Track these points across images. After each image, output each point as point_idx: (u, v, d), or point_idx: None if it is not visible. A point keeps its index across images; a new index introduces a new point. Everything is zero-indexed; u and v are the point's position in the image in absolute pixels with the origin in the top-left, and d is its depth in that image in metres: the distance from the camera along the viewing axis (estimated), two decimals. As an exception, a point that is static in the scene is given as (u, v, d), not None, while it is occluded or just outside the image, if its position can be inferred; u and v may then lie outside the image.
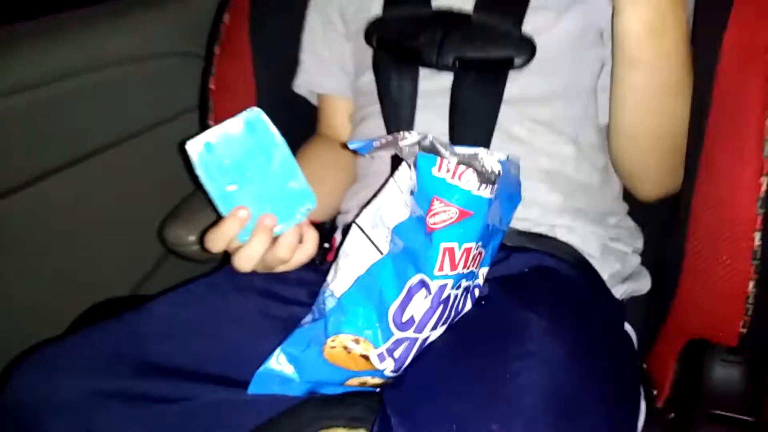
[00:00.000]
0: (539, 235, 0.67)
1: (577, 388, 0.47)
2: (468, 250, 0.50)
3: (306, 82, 0.84)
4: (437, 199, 0.48)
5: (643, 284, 0.71)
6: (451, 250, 0.49)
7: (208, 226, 0.58)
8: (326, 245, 0.67)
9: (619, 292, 0.69)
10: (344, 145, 0.59)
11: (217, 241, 0.56)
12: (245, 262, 0.56)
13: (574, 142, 0.69)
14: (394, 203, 0.54)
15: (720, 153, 0.61)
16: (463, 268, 0.50)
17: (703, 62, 0.62)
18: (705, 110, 0.62)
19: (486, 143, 0.67)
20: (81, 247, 1.04)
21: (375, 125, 0.75)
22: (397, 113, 0.71)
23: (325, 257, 0.68)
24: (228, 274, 0.64)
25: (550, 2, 0.67)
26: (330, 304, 0.54)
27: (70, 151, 0.99)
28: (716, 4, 0.61)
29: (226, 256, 0.66)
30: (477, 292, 0.56)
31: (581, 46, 0.68)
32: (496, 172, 0.49)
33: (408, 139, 0.53)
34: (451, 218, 0.48)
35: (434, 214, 0.49)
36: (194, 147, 0.53)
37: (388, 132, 0.72)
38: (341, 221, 0.80)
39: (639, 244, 0.73)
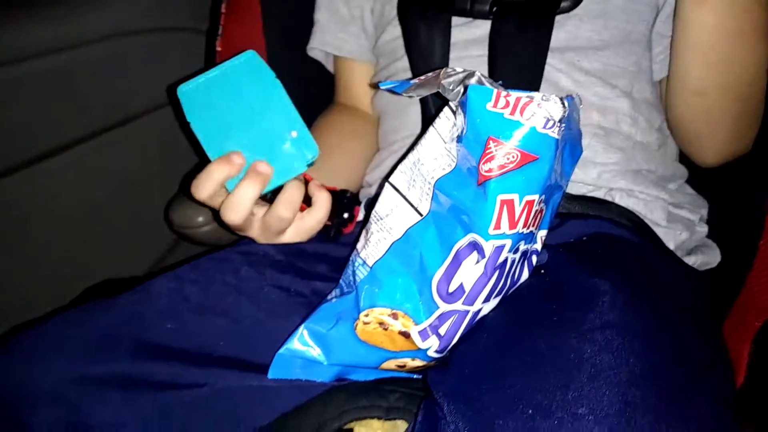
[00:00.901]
0: (596, 200, 0.58)
1: (670, 364, 0.38)
2: (530, 204, 0.41)
3: (322, 44, 0.76)
4: (493, 140, 0.40)
5: (712, 257, 0.62)
6: (510, 204, 0.41)
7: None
8: (345, 215, 0.59)
9: (686, 264, 0.60)
10: (374, 85, 0.51)
11: (202, 186, 0.50)
12: (233, 210, 0.50)
13: (628, 96, 0.61)
14: (435, 154, 0.45)
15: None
16: (523, 226, 0.42)
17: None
18: None
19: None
20: (87, 234, 0.97)
21: None
22: (428, 69, 0.63)
23: (341, 228, 0.59)
24: (240, 249, 0.56)
25: None
26: (362, 274, 0.46)
27: (69, 130, 0.92)
28: None
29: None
30: (534, 259, 0.47)
31: None
32: (563, 109, 0.41)
33: (452, 76, 0.44)
34: (511, 163, 0.40)
35: (489, 159, 0.40)
36: (183, 90, 0.50)
37: None
38: (364, 195, 0.72)
39: (704, 212, 0.65)
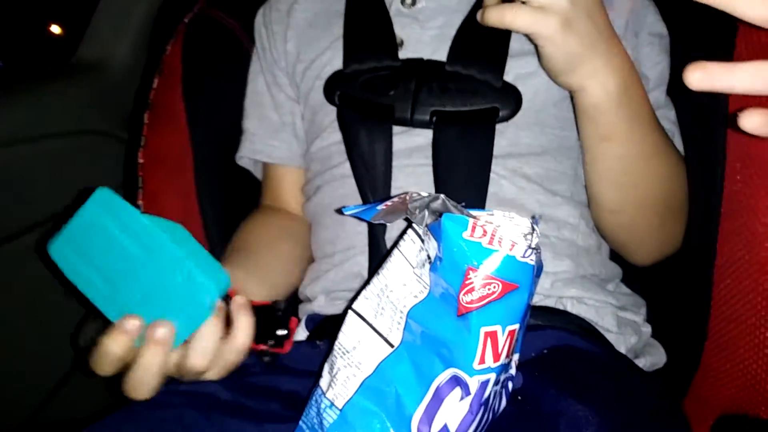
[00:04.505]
0: (548, 309, 0.58)
1: None
2: (512, 334, 0.39)
3: (252, 152, 0.74)
4: (473, 270, 0.38)
5: (658, 357, 0.63)
6: (494, 335, 0.39)
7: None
8: (281, 332, 0.50)
9: (638, 368, 0.60)
10: (339, 211, 0.48)
11: (102, 365, 0.43)
12: (137, 388, 0.43)
13: (568, 201, 0.62)
14: (403, 280, 0.43)
15: (743, 212, 0.55)
16: (507, 356, 0.40)
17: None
18: (718, 168, 0.56)
19: (480, 205, 0.59)
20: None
21: (340, 191, 0.65)
22: (371, 176, 0.62)
23: (276, 351, 0.50)
24: (182, 389, 0.50)
25: (532, 47, 0.62)
26: (330, 417, 0.42)
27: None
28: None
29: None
30: (510, 385, 0.45)
31: (565, 96, 0.63)
32: (535, 234, 0.40)
33: (416, 200, 0.43)
34: (493, 293, 0.38)
35: (469, 290, 0.38)
36: (53, 247, 0.43)
37: (362, 195, 0.62)
38: (305, 311, 0.68)
39: (644, 311, 0.66)
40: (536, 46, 0.53)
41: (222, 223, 0.74)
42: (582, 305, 0.59)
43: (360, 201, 0.63)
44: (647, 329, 0.64)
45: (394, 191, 0.62)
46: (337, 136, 0.65)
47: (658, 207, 0.61)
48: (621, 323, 0.60)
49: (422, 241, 0.43)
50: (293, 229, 0.72)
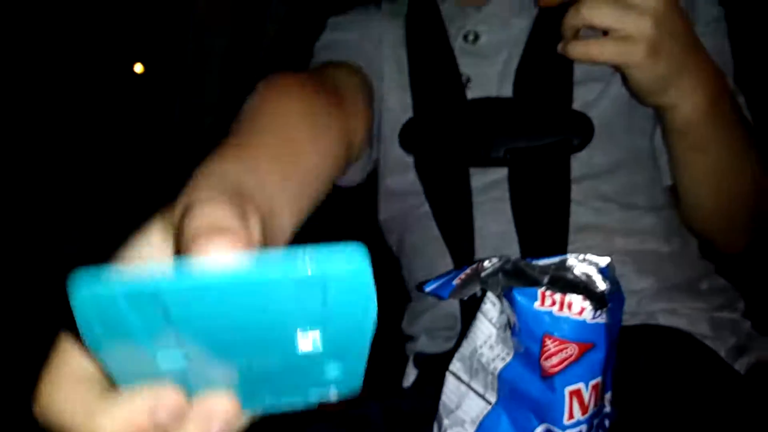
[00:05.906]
0: (640, 327, 0.60)
1: None
2: (596, 387, 0.43)
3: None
4: (549, 338, 0.42)
5: (764, 350, 0.63)
6: (578, 393, 0.42)
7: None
8: None
9: (740, 367, 0.61)
10: (420, 286, 0.52)
11: None
12: None
13: (648, 210, 0.63)
14: (490, 342, 0.47)
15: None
16: (594, 406, 0.43)
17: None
18: None
19: (562, 236, 0.61)
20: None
21: (425, 235, 0.68)
22: (452, 216, 0.65)
23: None
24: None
25: (594, 71, 0.63)
26: (447, 472, 0.47)
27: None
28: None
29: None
30: (607, 422, 0.49)
31: (633, 106, 0.63)
32: (605, 288, 0.43)
33: (489, 268, 0.47)
34: (571, 356, 0.42)
35: (549, 355, 0.42)
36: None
37: (445, 238, 0.66)
38: (411, 349, 0.73)
39: (741, 303, 0.66)
40: (622, 72, 0.53)
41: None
42: (673, 316, 0.60)
43: (444, 244, 0.67)
44: (746, 324, 0.64)
45: (477, 227, 0.65)
46: (412, 175, 0.68)
47: (751, 199, 0.61)
48: (716, 326, 0.61)
49: (501, 303, 0.47)
50: (340, 117, 0.53)
